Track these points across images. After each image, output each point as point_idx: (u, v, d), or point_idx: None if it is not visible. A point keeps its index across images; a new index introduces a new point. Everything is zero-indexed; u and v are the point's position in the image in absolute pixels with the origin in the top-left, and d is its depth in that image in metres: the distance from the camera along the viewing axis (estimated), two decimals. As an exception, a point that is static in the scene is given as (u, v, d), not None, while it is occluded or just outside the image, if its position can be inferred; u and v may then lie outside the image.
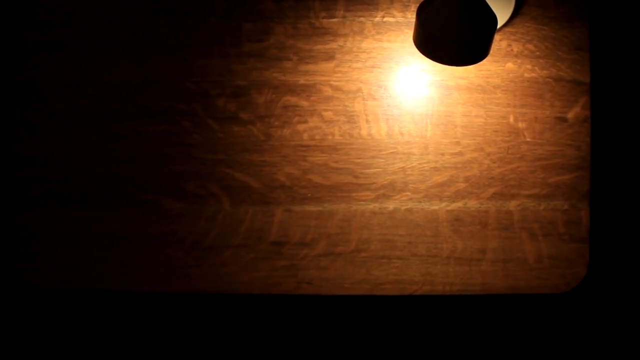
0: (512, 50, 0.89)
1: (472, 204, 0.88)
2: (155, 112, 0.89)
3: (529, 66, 0.89)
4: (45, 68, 0.90)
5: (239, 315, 1.00)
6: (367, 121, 0.89)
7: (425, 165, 0.88)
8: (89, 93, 0.89)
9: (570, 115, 0.89)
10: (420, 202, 0.88)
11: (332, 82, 0.89)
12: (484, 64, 0.89)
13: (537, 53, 0.89)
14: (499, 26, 0.86)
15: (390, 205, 0.88)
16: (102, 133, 0.89)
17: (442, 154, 0.88)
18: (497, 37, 0.88)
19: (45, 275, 0.89)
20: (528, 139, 0.89)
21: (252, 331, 0.99)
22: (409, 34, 0.89)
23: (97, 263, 0.88)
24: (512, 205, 0.88)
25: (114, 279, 0.88)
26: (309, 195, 0.88)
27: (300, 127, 0.89)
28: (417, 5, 0.77)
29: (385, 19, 0.89)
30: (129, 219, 0.88)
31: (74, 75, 0.90)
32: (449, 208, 0.88)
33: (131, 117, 0.89)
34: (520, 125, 0.89)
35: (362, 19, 0.89)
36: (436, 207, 0.88)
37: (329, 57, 0.89)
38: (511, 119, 0.89)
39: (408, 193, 0.88)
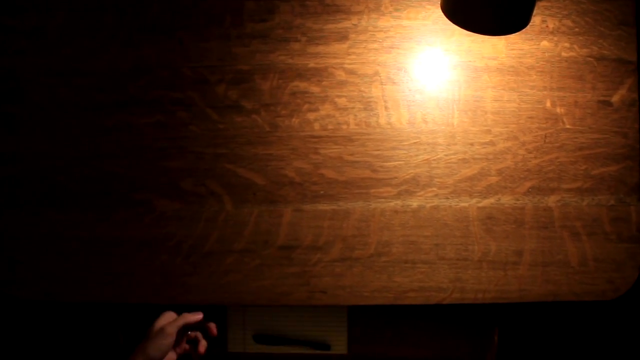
0: (547, 26, 0.82)
1: (506, 199, 0.80)
2: (148, 102, 0.82)
3: (566, 44, 0.81)
4: (24, 56, 0.83)
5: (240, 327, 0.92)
6: (386, 108, 0.81)
7: (452, 156, 0.80)
8: (73, 82, 0.82)
9: (615, 98, 0.81)
10: (448, 198, 0.80)
11: (346, 65, 0.81)
12: (517, 41, 0.81)
13: (576, 29, 0.81)
14: None
15: (414, 203, 0.80)
16: (88, 126, 0.82)
17: (472, 144, 0.80)
18: (530, 11, 0.79)
19: (26, 286, 0.81)
20: (568, 126, 0.81)
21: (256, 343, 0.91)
22: (430, 10, 0.81)
23: (83, 272, 0.81)
24: (552, 200, 0.80)
25: (103, 290, 0.81)
26: (322, 192, 0.80)
27: (311, 115, 0.81)
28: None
29: (404, -6, 0.82)
30: (119, 221, 0.81)
31: (55, 63, 0.83)
32: (480, 205, 0.80)
33: (120, 108, 0.82)
34: (559, 110, 0.81)
35: (378, -6, 0.82)
36: (466, 204, 0.80)
37: (342, 37, 0.82)
38: (548, 104, 0.81)
39: (434, 188, 0.80)
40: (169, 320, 0.77)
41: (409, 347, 0.89)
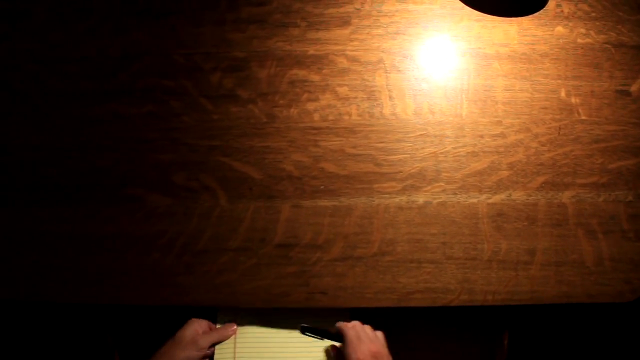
0: (562, 11, 0.78)
1: (518, 195, 0.76)
2: (138, 90, 0.78)
3: (582, 30, 0.78)
4: (8, 41, 0.79)
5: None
6: (391, 98, 0.77)
7: (460, 149, 0.77)
8: (60, 69, 0.79)
9: (634, 87, 0.77)
10: (456, 194, 0.76)
11: (348, 52, 0.78)
12: (529, 27, 0.77)
13: (593, 14, 0.78)
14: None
15: (420, 199, 0.76)
16: (75, 116, 0.78)
17: (481, 136, 0.77)
18: (544, -5, 0.75)
19: (9, 285, 0.77)
20: (583, 117, 0.77)
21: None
22: (438, -6, 0.77)
23: (70, 271, 0.77)
24: (566, 196, 0.76)
25: (91, 290, 0.77)
26: (322, 187, 0.77)
27: (310, 105, 0.77)
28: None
29: (410, -23, 0.78)
30: (108, 217, 0.77)
31: (41, 50, 0.79)
32: (490, 201, 0.76)
33: (110, 97, 0.78)
34: (574, 100, 0.77)
35: (382, -23, 0.78)
36: (475, 200, 0.76)
37: (344, 22, 0.78)
38: (562, 94, 0.77)
39: (441, 183, 0.77)
40: (200, 330, 0.76)
41: (415, 352, 0.85)
